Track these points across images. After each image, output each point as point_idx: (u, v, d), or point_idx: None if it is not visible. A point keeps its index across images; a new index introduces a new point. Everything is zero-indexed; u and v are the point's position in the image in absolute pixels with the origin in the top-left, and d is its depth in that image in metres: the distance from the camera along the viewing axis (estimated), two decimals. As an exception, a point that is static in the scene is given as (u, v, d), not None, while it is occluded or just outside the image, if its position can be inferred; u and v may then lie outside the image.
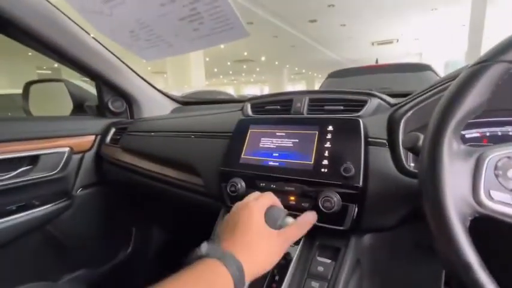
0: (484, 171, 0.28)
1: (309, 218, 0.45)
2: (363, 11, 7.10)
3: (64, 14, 0.78)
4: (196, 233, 0.60)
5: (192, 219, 0.98)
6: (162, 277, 0.31)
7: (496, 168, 0.29)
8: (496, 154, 0.29)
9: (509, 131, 0.53)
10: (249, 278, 0.34)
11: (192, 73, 7.50)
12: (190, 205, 0.74)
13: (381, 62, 3.28)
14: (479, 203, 0.28)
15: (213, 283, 0.32)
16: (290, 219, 0.44)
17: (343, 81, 2.70)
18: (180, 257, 0.37)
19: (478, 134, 0.55)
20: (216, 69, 16.08)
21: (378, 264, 0.56)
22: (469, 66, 0.30)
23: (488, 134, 0.54)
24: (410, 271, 0.58)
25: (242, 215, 0.39)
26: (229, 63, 14.20)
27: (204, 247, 0.34)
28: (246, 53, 11.78)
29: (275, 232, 0.39)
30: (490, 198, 0.28)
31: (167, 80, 8.57)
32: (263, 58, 13.22)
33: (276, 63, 14.86)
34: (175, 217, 1.11)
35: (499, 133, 0.54)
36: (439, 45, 11.79)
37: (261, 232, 0.38)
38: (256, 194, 0.45)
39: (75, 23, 0.81)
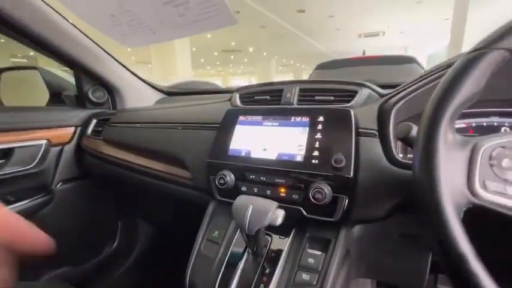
0: (479, 161, 0.28)
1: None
2: (351, 2, 7.10)
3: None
4: (183, 227, 0.59)
5: (179, 213, 0.96)
6: (148, 274, 0.28)
7: (490, 158, 0.29)
8: (490, 144, 0.29)
9: (494, 122, 0.54)
10: None
11: (178, 63, 7.28)
12: (177, 198, 0.72)
13: (367, 54, 3.29)
14: (473, 193, 0.27)
15: None
16: None
17: (331, 72, 2.71)
18: (166, 252, 0.35)
19: (464, 125, 0.56)
20: (202, 60, 15.74)
21: (365, 254, 0.57)
22: (466, 54, 0.30)
23: (474, 124, 0.55)
24: (396, 260, 0.59)
25: None
26: (216, 54, 13.91)
27: None
28: (233, 43, 11.56)
29: None
30: (485, 188, 0.28)
31: (152, 71, 8.31)
32: (251, 49, 13.03)
33: (264, 54, 14.70)
34: (161, 211, 1.09)
35: (484, 124, 0.55)
36: (423, 38, 12.02)
37: None
38: None
39: (51, 7, 0.75)
